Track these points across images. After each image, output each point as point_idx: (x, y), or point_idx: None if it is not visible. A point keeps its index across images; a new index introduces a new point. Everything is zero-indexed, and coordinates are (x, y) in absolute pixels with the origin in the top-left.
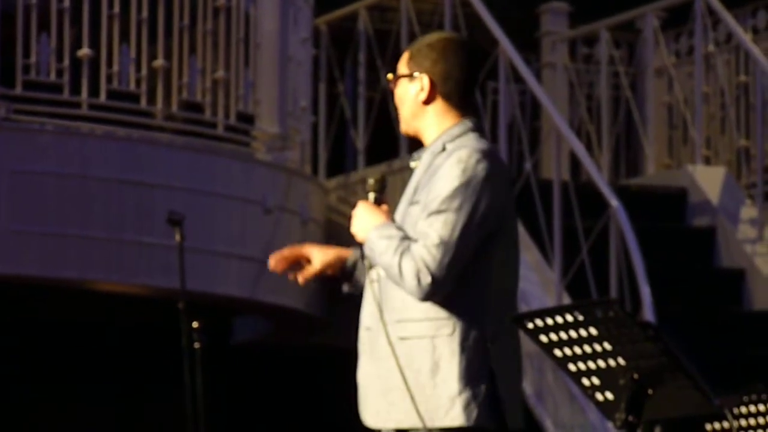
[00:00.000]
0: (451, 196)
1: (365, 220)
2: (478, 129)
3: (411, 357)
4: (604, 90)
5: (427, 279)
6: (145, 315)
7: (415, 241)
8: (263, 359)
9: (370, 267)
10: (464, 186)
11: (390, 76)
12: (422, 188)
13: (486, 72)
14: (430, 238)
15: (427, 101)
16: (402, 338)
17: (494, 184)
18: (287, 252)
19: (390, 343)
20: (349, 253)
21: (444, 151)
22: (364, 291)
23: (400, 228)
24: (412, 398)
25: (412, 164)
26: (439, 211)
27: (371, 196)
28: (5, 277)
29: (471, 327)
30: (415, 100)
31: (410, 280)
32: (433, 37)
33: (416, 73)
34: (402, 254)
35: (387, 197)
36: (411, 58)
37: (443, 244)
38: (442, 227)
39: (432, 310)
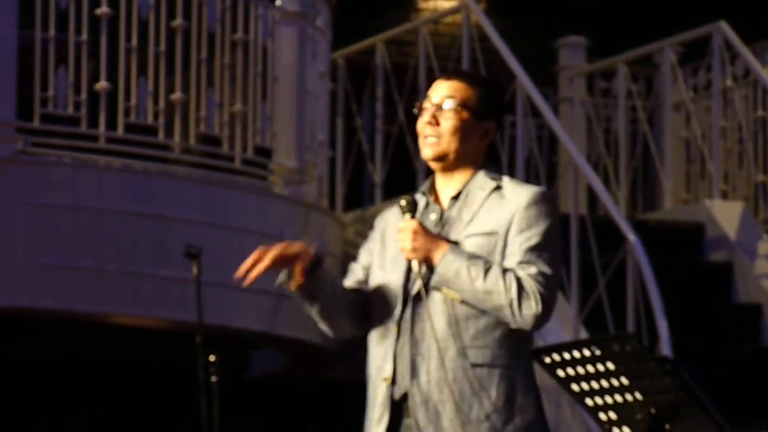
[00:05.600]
0: (547, 234)
1: (425, 240)
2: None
3: (483, 384)
4: (622, 124)
5: (540, 307)
6: (162, 348)
7: (510, 269)
8: (280, 393)
9: (435, 288)
10: (555, 225)
11: (454, 104)
12: (485, 219)
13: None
14: (539, 270)
15: (486, 143)
16: (477, 365)
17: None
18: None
19: (466, 368)
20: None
21: (499, 189)
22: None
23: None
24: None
25: (432, 216)
26: (540, 247)
27: (407, 217)
28: (20, 310)
29: (528, 360)
30: (478, 141)
31: (527, 305)
32: (498, 81)
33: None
34: (508, 280)
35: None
36: (482, 95)
37: (550, 278)
38: (545, 265)
39: (505, 342)
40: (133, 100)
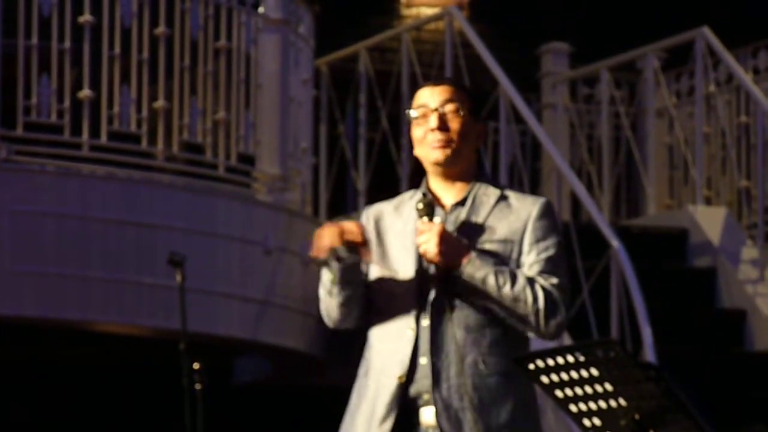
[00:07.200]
0: (559, 245)
1: (452, 245)
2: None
3: (501, 392)
4: (605, 130)
5: (563, 316)
6: (145, 356)
7: (534, 278)
8: (264, 400)
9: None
10: (561, 237)
11: (458, 107)
12: (497, 226)
13: (487, 112)
14: (560, 281)
15: (479, 145)
16: (494, 373)
17: None
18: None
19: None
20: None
21: (505, 198)
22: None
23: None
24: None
25: (437, 220)
26: (557, 258)
27: (425, 219)
28: (4, 317)
29: None
30: (474, 143)
31: (554, 315)
32: (476, 87)
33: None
34: (535, 289)
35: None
36: (471, 100)
37: (567, 289)
38: (563, 277)
39: (516, 350)
40: (116, 108)
